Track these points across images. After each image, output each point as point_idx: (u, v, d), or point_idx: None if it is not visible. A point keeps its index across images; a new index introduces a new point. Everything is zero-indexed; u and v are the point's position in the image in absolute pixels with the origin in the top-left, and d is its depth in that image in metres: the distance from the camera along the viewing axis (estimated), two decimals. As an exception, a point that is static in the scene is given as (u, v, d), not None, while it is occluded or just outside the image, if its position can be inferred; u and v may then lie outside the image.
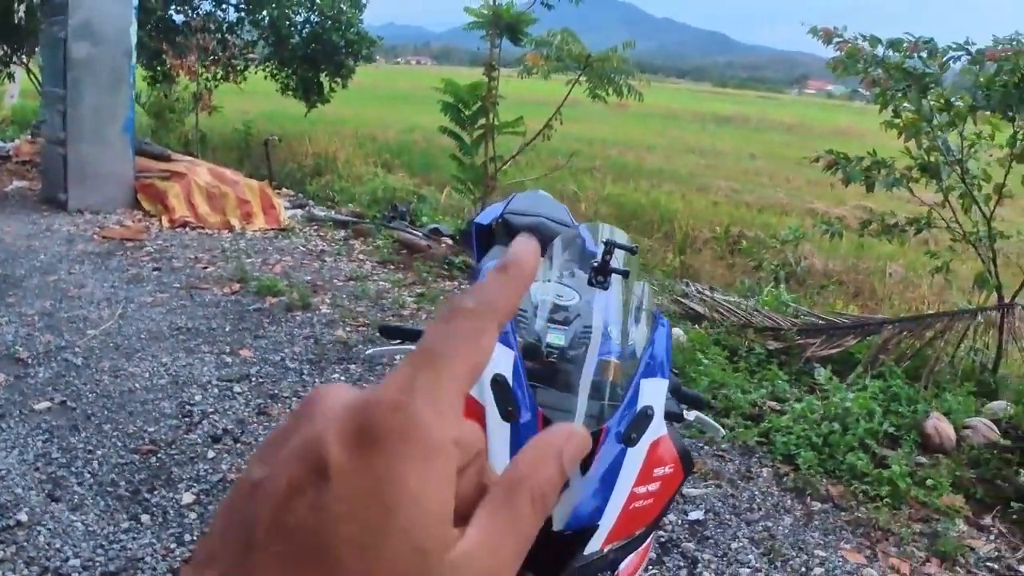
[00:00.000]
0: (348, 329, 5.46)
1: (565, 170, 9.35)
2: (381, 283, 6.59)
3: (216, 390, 4.43)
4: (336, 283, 6.49)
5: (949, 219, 5.50)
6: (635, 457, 1.80)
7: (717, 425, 2.24)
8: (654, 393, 1.88)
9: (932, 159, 5.39)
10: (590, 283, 1.99)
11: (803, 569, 3.36)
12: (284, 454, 0.33)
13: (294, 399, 4.39)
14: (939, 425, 4.57)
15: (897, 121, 5.46)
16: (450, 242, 7.80)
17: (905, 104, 5.33)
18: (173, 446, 3.83)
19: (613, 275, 2.00)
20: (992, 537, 3.84)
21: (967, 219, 5.52)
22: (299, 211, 8.69)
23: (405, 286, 6.57)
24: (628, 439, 1.79)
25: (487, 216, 3.53)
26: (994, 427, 4.64)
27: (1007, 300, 5.39)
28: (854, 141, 31.41)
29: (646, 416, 1.84)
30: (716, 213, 12.17)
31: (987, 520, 3.97)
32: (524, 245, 0.43)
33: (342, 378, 4.68)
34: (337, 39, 11.26)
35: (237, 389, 4.45)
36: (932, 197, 5.67)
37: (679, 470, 1.90)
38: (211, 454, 3.79)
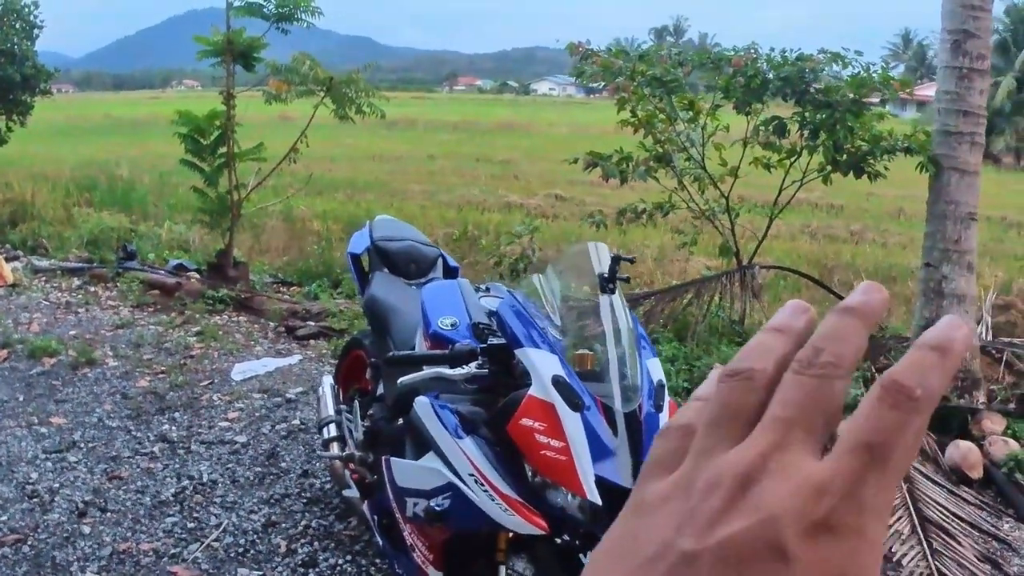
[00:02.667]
0: (149, 379, 5.24)
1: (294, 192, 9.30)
2: (151, 327, 6.30)
3: (50, 463, 4.12)
4: (105, 334, 6.11)
5: (688, 200, 6.29)
6: (665, 421, 2.19)
7: None
8: (657, 369, 2.29)
9: (664, 150, 6.15)
10: (602, 290, 2.30)
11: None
12: (731, 532, 0.34)
13: (137, 457, 4.20)
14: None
15: (633, 119, 6.15)
16: (199, 276, 7.56)
17: (641, 104, 6.04)
18: (39, 530, 3.56)
19: (618, 281, 2.34)
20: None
21: (701, 199, 6.35)
22: (17, 263, 7.96)
23: (177, 327, 6.34)
24: (658, 407, 2.18)
25: (357, 246, 3.67)
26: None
27: (745, 263, 6.30)
28: (518, 131, 33.23)
29: (662, 387, 2.25)
30: (427, 216, 12.63)
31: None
32: (959, 330, 0.38)
33: (172, 428, 4.54)
34: (13, 73, 10.31)
35: (72, 458, 4.17)
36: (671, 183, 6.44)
37: None
38: (86, 529, 3.57)
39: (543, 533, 2.15)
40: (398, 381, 2.37)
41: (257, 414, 4.76)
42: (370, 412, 3.29)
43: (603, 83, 6.08)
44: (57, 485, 3.92)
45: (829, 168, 5.66)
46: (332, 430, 3.48)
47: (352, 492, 3.23)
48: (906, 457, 0.35)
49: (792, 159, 5.92)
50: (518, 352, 2.23)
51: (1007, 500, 4.45)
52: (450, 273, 3.73)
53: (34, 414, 4.66)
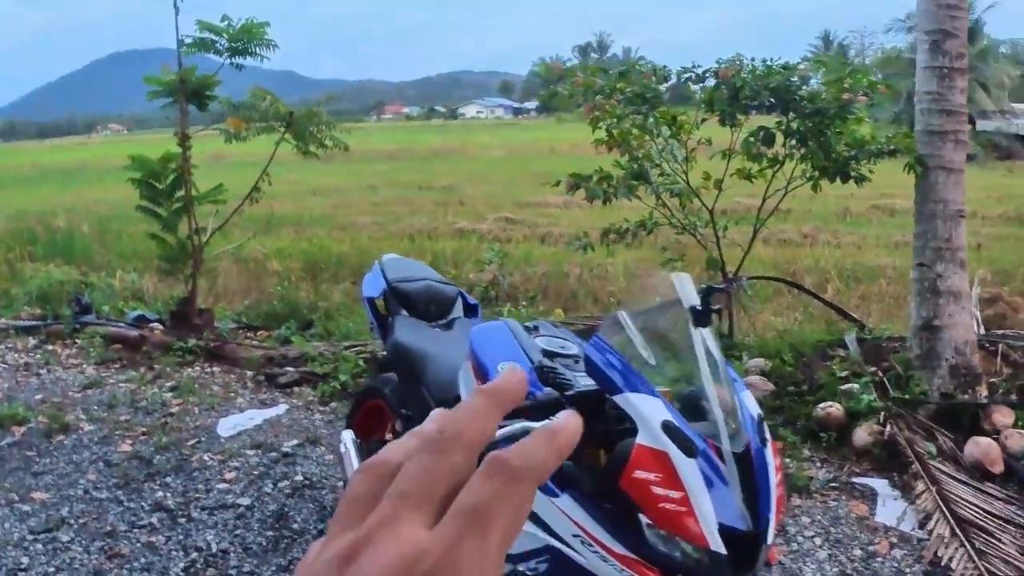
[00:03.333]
0: (131, 442, 4.93)
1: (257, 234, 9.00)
2: (122, 385, 5.97)
3: (40, 545, 3.80)
4: (74, 395, 5.76)
5: (670, 216, 6.18)
6: (771, 455, 2.04)
7: None
8: (752, 402, 2.14)
9: (640, 167, 6.03)
10: (696, 323, 2.14)
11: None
12: None
13: (135, 531, 3.90)
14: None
15: (608, 138, 6.03)
16: (162, 327, 7.23)
17: (618, 121, 5.92)
18: (43, 622, 3.26)
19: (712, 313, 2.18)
20: (819, 464, 4.53)
21: (682, 214, 6.24)
22: (-35, 327, 7.52)
23: (149, 383, 6.01)
24: (763, 442, 2.03)
25: (372, 289, 3.48)
26: (766, 380, 5.37)
27: (731, 275, 6.22)
28: (453, 156, 33.24)
29: (761, 420, 2.12)
30: (381, 248, 12.40)
31: (806, 452, 4.67)
32: (570, 419, 0.46)
33: (166, 495, 4.25)
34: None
35: (64, 538, 3.85)
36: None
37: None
38: (96, 616, 3.28)
39: None
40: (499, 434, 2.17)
41: (255, 472, 4.48)
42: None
43: (581, 103, 5.93)
44: (52, 569, 3.61)
45: (817, 175, 5.60)
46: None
47: None
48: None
49: (775, 168, 5.85)
50: (618, 398, 2.05)
51: None
52: (470, 311, 3.54)
53: (12, 490, 4.32)
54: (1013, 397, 5.23)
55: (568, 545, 2.04)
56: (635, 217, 6.34)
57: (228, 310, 7.93)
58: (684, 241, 6.55)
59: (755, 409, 2.20)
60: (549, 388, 2.30)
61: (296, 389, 5.87)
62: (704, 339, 2.16)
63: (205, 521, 3.97)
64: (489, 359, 2.52)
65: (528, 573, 2.14)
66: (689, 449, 1.96)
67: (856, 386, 5.30)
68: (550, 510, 2.07)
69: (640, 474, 1.94)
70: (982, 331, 5.92)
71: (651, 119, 5.84)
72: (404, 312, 3.38)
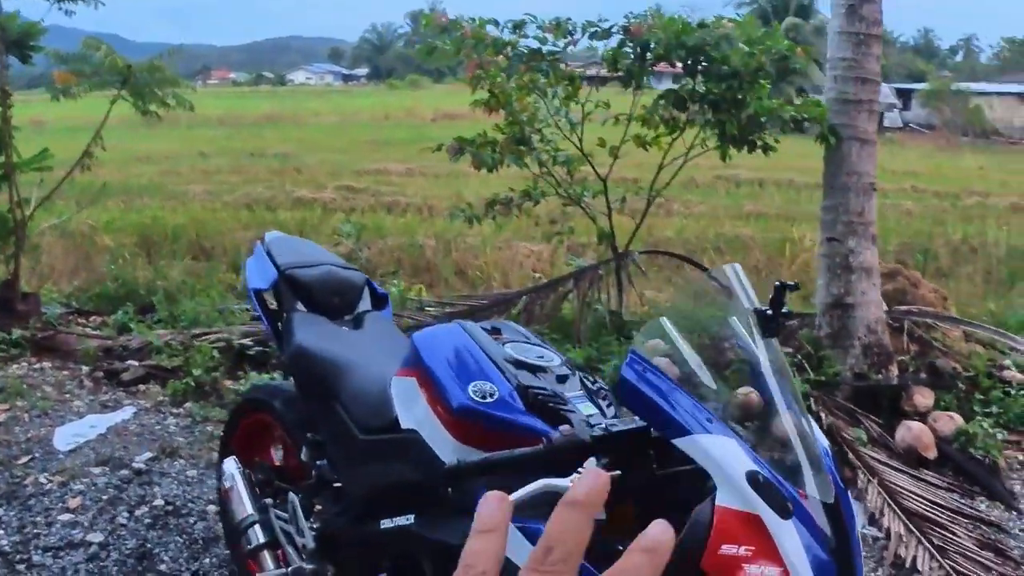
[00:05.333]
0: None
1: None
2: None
3: None
4: None
5: (556, 186, 5.69)
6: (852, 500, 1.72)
7: None
8: (819, 432, 1.69)
9: (525, 132, 5.51)
10: (765, 332, 1.62)
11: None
12: None
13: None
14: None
15: (491, 99, 5.47)
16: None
17: (499, 81, 5.36)
18: None
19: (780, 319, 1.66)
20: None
21: (569, 183, 5.76)
22: None
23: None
24: (844, 485, 1.58)
25: (259, 278, 2.78)
26: (671, 363, 4.97)
27: (621, 251, 5.81)
28: (285, 123, 32.08)
29: (834, 456, 1.75)
30: (220, 219, 11.42)
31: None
32: (664, 534, 0.48)
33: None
34: None
35: None
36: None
37: None
38: None
39: None
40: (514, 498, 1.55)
41: (105, 497, 3.67)
42: (317, 509, 2.42)
43: (464, 59, 5.31)
44: None
45: (723, 143, 5.21)
46: (259, 535, 2.56)
47: None
48: None
49: (675, 136, 5.44)
50: (682, 442, 1.51)
51: (969, 477, 4.27)
52: (379, 303, 2.88)
53: None
54: (923, 376, 5.08)
55: None
56: (499, 188, 5.88)
57: (55, 292, 6.86)
58: (570, 212, 6.08)
59: (824, 440, 1.71)
60: (564, 425, 1.72)
61: (142, 387, 5.01)
62: (775, 352, 1.64)
63: (49, 567, 3.15)
64: (447, 374, 1.91)
65: None
66: (784, 507, 1.45)
67: (769, 369, 5.00)
68: None
69: (728, 549, 1.41)
70: (885, 308, 5.75)
71: (545, 79, 5.31)
72: (300, 306, 2.69)
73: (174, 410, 4.72)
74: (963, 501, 3.99)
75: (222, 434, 3.18)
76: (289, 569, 2.41)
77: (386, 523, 2.03)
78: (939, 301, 5.95)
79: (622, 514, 1.59)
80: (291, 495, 2.50)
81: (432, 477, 1.88)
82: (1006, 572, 3.43)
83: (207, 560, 3.24)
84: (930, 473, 4.20)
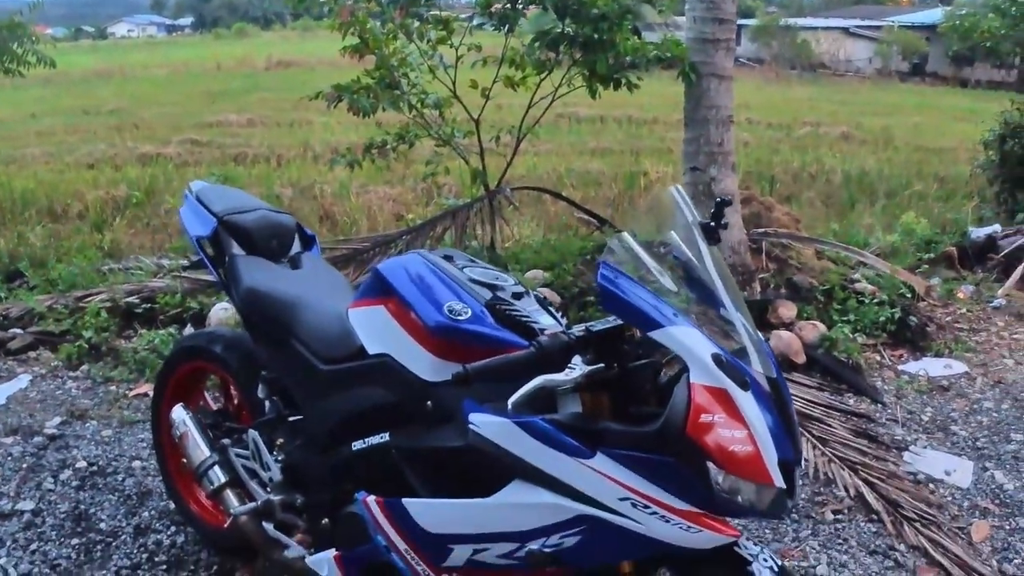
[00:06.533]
0: None
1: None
2: None
3: None
4: None
5: (428, 128, 5.83)
6: None
7: None
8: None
9: (394, 77, 5.61)
10: (711, 241, 1.89)
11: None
12: None
13: None
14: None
15: (360, 44, 5.52)
16: None
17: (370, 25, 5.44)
18: None
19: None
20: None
21: (442, 125, 5.92)
22: None
23: None
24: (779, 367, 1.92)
25: (199, 225, 2.88)
26: (552, 291, 5.26)
27: (493, 188, 6.07)
28: (114, 78, 30.48)
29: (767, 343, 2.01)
30: (68, 181, 10.95)
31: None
32: None
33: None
34: None
35: None
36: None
37: None
38: None
39: (732, 540, 1.77)
40: (511, 401, 1.75)
41: (24, 465, 3.66)
42: (279, 442, 2.57)
43: (336, 4, 5.35)
44: None
45: (591, 82, 5.48)
46: (220, 475, 2.69)
47: (296, 551, 2.50)
48: None
49: (543, 76, 5.68)
50: (657, 334, 1.74)
51: (836, 377, 4.77)
52: (308, 243, 3.01)
53: None
54: (783, 291, 5.55)
55: (612, 511, 1.73)
56: (344, 135, 5.99)
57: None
58: (444, 154, 6.24)
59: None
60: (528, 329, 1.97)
61: (32, 354, 4.91)
62: (717, 258, 1.91)
63: (-16, 538, 3.17)
64: (420, 298, 2.10)
65: (546, 551, 1.81)
66: (743, 382, 1.72)
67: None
68: (581, 474, 1.75)
69: (705, 418, 1.67)
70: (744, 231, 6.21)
71: (420, 23, 5.43)
72: (238, 250, 2.78)
73: (71, 374, 4.67)
74: (834, 398, 4.49)
75: (155, 386, 3.25)
76: (259, 502, 2.56)
77: (358, 444, 2.21)
78: (792, 223, 6.49)
79: (599, 403, 1.84)
80: (250, 432, 2.63)
81: (409, 394, 2.08)
82: (879, 455, 3.91)
83: (145, 514, 3.32)
84: (802, 375, 4.68)
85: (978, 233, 7.08)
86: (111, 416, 4.18)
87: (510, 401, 1.75)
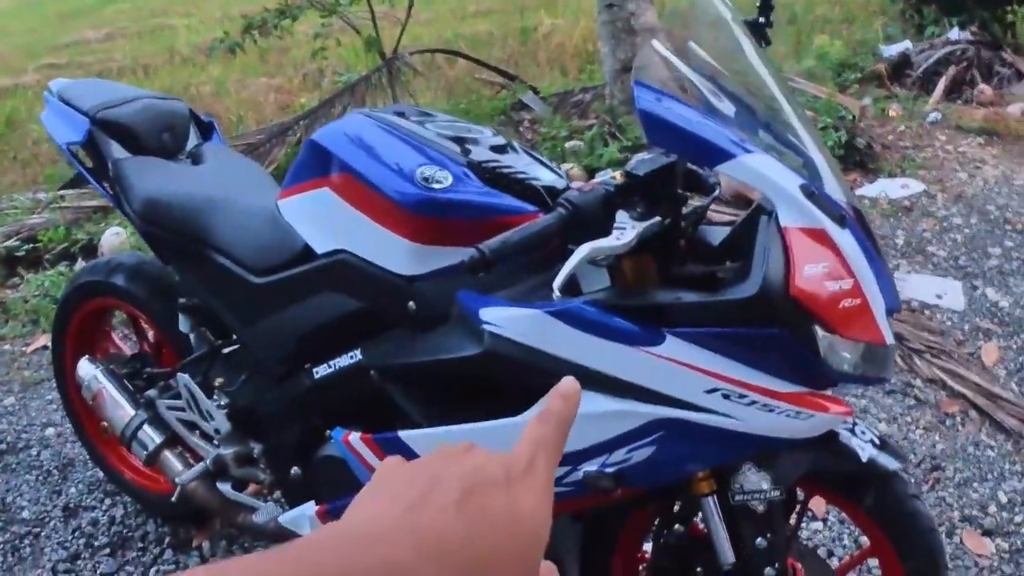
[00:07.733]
0: None
1: None
2: None
3: None
4: None
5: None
6: None
7: None
8: None
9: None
10: (761, 43, 1.44)
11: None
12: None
13: None
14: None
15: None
16: None
17: None
18: None
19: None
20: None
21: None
22: None
23: None
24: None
25: (68, 130, 2.29)
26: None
27: (389, 56, 5.70)
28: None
29: None
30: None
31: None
32: (568, 392, 0.53)
33: None
34: None
35: None
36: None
37: None
38: None
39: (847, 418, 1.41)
40: (556, 284, 1.27)
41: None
42: (218, 383, 2.05)
43: None
44: None
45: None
46: (153, 436, 2.19)
47: (267, 512, 2.02)
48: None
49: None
50: (728, 167, 1.30)
51: None
52: (207, 132, 2.42)
53: None
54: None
55: (698, 407, 1.33)
56: (207, 32, 5.40)
57: None
58: (331, 25, 5.68)
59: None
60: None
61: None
62: (771, 63, 1.46)
63: None
64: (379, 168, 1.57)
65: (607, 471, 1.40)
66: (840, 217, 1.33)
67: (580, 143, 5.00)
68: (651, 367, 1.33)
69: (811, 270, 1.25)
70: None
71: None
72: (122, 152, 2.20)
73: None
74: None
75: (52, 338, 2.68)
76: (207, 460, 2.07)
77: (322, 370, 1.74)
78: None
79: (643, 270, 1.40)
80: (179, 376, 2.10)
81: (382, 296, 1.60)
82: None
83: (72, 489, 2.82)
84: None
85: (890, 51, 6.88)
86: (11, 380, 3.60)
87: (555, 284, 1.28)
